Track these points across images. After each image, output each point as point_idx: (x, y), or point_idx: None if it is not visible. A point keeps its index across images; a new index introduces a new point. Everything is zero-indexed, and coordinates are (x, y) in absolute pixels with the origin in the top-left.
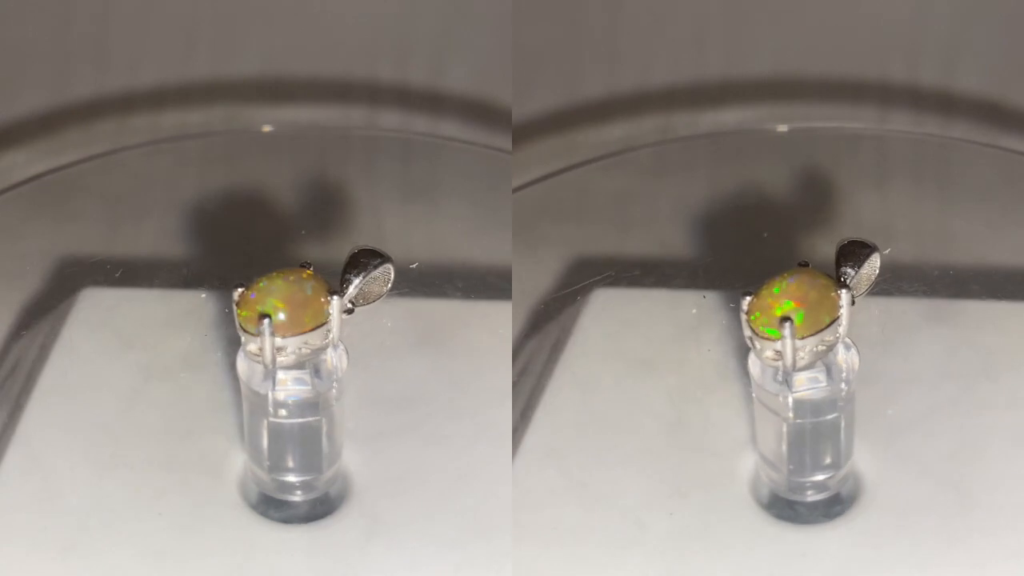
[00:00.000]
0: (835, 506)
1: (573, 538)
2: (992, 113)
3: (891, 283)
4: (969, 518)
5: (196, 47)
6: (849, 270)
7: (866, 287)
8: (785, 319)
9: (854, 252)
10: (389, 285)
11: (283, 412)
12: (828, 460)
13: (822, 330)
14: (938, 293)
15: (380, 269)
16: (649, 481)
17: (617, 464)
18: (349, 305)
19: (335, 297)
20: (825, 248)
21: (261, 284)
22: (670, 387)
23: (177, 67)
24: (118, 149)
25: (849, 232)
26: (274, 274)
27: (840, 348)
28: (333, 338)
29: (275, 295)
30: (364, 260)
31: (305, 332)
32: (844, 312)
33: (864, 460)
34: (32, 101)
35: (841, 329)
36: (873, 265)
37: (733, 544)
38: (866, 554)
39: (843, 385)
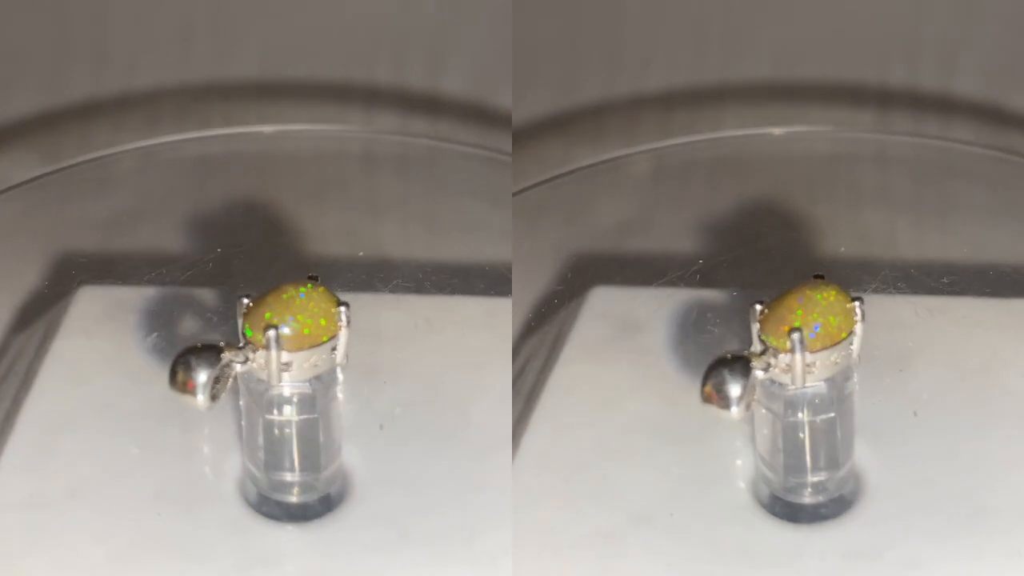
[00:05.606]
0: (835, 506)
1: (573, 538)
2: (992, 115)
3: (892, 282)
4: (970, 518)
5: (194, 48)
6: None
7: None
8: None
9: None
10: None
11: (286, 409)
12: (826, 460)
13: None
14: (938, 292)
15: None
16: (649, 481)
17: (617, 464)
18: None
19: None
20: (825, 249)
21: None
22: (669, 386)
23: (174, 68)
24: (116, 152)
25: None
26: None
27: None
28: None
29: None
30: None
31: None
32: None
33: (864, 460)
34: (29, 102)
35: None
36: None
37: (733, 544)
38: (866, 554)
39: (841, 384)
